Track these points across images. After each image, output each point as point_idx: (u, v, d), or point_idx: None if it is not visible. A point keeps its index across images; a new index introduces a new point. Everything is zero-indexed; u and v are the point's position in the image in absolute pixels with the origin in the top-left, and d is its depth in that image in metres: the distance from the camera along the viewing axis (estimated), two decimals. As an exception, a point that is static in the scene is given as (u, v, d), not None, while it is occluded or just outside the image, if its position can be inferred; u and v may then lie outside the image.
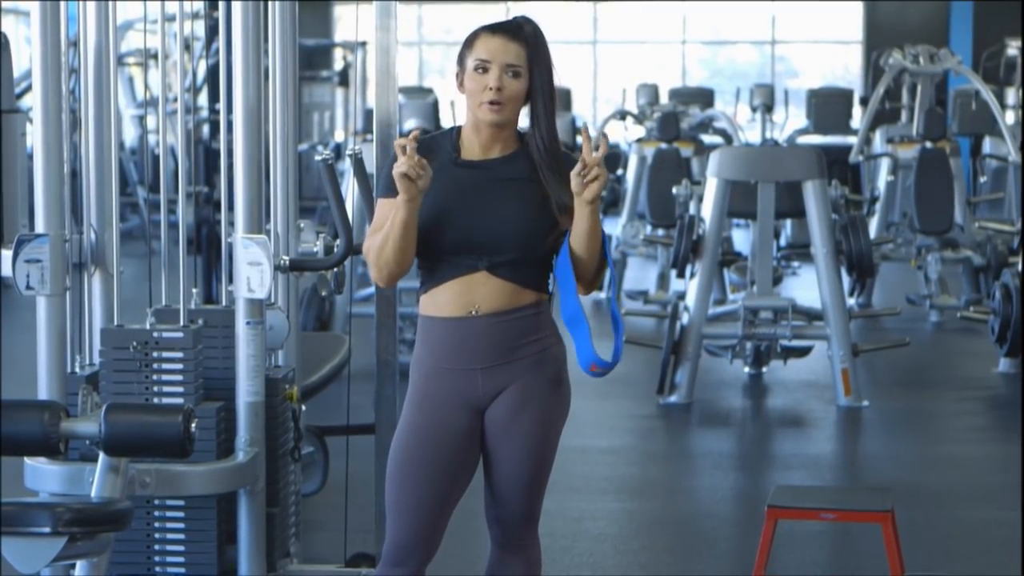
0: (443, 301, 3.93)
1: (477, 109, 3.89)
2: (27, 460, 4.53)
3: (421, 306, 3.99)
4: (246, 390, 4.64)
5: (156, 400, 4.60)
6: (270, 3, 5.15)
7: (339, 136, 20.57)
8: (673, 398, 8.78)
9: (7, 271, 4.59)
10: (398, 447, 3.98)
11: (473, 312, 3.90)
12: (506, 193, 3.91)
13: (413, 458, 3.95)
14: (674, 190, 10.89)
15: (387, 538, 4.01)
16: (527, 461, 3.98)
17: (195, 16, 5.89)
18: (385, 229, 3.87)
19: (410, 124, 16.02)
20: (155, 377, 4.62)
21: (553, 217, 3.91)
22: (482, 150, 3.95)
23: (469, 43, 3.93)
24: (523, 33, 3.91)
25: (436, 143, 3.98)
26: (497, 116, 3.88)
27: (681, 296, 9.59)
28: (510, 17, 4.00)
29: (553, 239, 3.94)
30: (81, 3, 4.82)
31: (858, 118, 19.87)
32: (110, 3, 4.85)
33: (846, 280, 9.58)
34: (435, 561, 4.06)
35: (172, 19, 5.12)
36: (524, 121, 4.01)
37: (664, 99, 18.91)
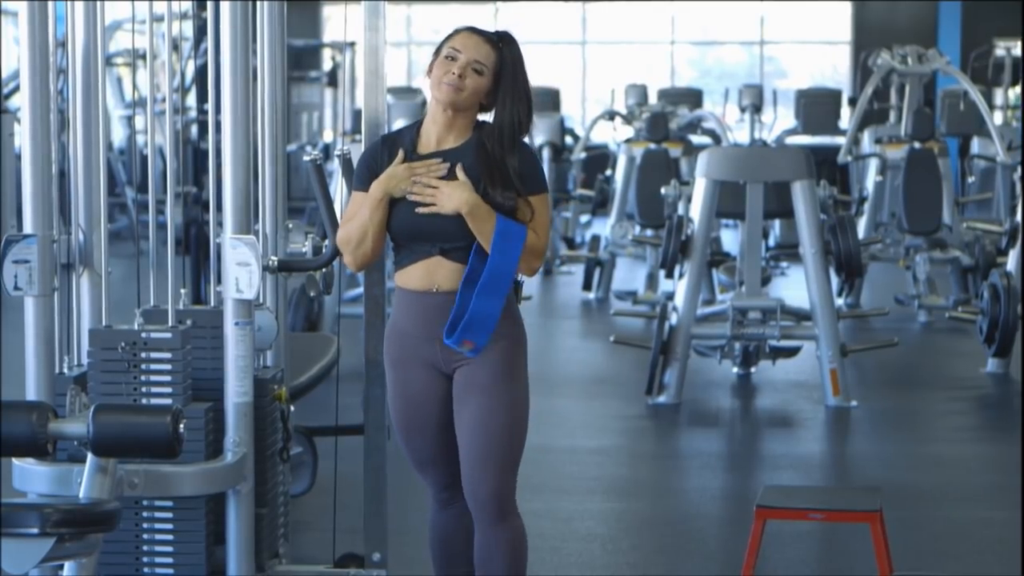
0: (410, 278, 4.30)
1: (436, 89, 4.23)
2: (15, 461, 4.52)
3: (395, 278, 4.35)
4: (235, 391, 4.64)
5: (144, 401, 4.59)
6: (258, 3, 5.15)
7: (327, 136, 20.57)
8: (662, 398, 8.78)
9: (-5, 272, 4.58)
10: (392, 412, 4.42)
11: (434, 289, 4.26)
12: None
13: (402, 420, 4.37)
14: (663, 190, 10.90)
15: (428, 492, 4.47)
16: (494, 426, 4.25)
17: (183, 16, 5.89)
18: (363, 224, 4.26)
19: (399, 124, 16.00)
20: (143, 378, 4.61)
21: (504, 199, 4.22)
22: (437, 141, 4.29)
23: (449, 37, 4.29)
24: (499, 43, 4.27)
25: (400, 137, 4.35)
26: (452, 96, 4.20)
27: (670, 296, 9.60)
28: (497, 24, 4.19)
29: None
30: (69, 3, 4.81)
31: (846, 118, 19.90)
32: (98, 3, 4.85)
33: (834, 280, 9.60)
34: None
35: (160, 19, 5.11)
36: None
37: (653, 99, 18.91)
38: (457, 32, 4.27)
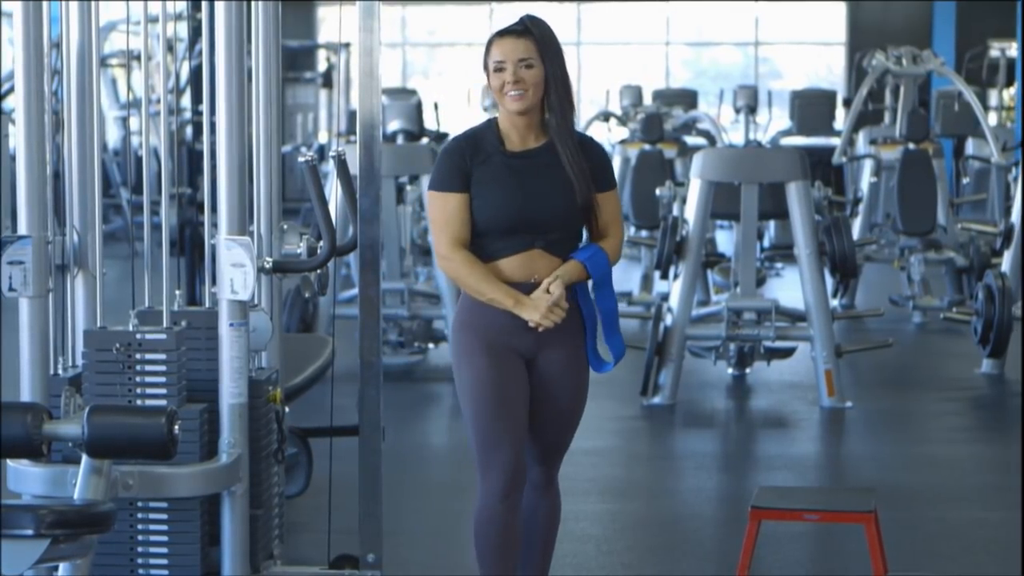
0: (503, 270, 4.44)
1: (504, 101, 4.43)
2: (10, 462, 4.52)
3: None
4: (229, 392, 4.63)
5: (139, 402, 4.59)
6: (253, 4, 5.14)
7: (322, 137, 20.59)
8: (657, 399, 8.78)
9: (-10, 273, 4.58)
10: (482, 402, 4.46)
11: (533, 280, 4.43)
12: (549, 178, 4.45)
13: (493, 406, 4.45)
14: (657, 191, 10.89)
15: (487, 481, 4.46)
16: (572, 410, 4.59)
17: (178, 17, 5.89)
18: (480, 293, 4.42)
19: (394, 125, 16.02)
20: (138, 379, 4.61)
21: (584, 195, 4.46)
22: (521, 141, 4.48)
23: (487, 50, 4.48)
24: (530, 30, 4.44)
25: (480, 137, 4.50)
26: (522, 103, 4.41)
27: (665, 297, 9.60)
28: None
29: (585, 216, 4.49)
30: (64, 4, 4.81)
31: (841, 119, 19.92)
32: (93, 4, 4.84)
33: (829, 281, 9.60)
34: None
35: (155, 20, 5.11)
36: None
37: (647, 100, 18.91)
38: (492, 42, 4.45)
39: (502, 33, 4.45)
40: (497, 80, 4.43)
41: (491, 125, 4.51)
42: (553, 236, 4.45)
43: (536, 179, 4.44)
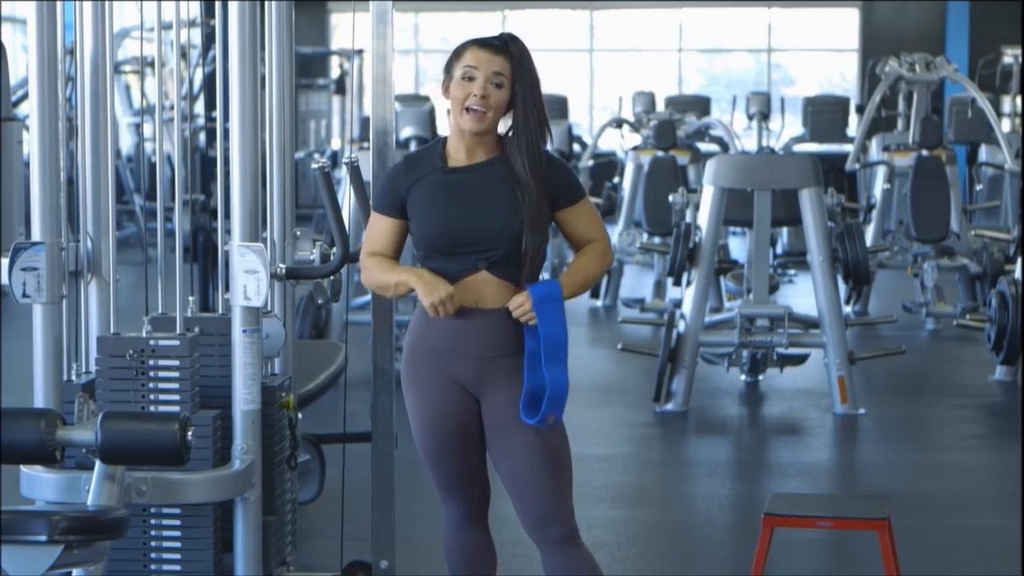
0: None
1: (460, 116, 4.15)
2: (23, 468, 4.52)
3: None
4: (242, 398, 4.64)
5: (152, 408, 4.59)
6: (267, 10, 5.15)
7: (335, 144, 20.58)
8: (669, 406, 8.78)
9: (4, 279, 4.58)
10: (418, 434, 4.28)
11: (479, 306, 4.15)
12: (494, 193, 4.15)
13: (436, 444, 4.24)
14: (670, 198, 10.89)
15: (449, 511, 4.36)
16: (538, 453, 4.17)
17: (192, 24, 5.90)
18: (385, 285, 4.23)
19: (407, 132, 16.03)
20: (151, 385, 4.61)
21: (540, 215, 4.14)
22: (467, 156, 4.20)
23: (457, 54, 4.18)
24: (508, 48, 4.17)
25: (424, 156, 4.25)
26: (479, 125, 4.13)
27: (677, 304, 9.59)
28: (499, 32, 4.24)
29: (542, 236, 4.15)
30: (78, 8, 4.81)
31: (854, 126, 19.88)
32: (107, 10, 4.85)
33: (842, 288, 9.59)
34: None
35: (169, 27, 5.12)
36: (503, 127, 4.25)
37: (660, 107, 18.90)
38: (465, 49, 4.17)
39: (480, 43, 4.17)
40: (462, 90, 4.12)
41: (437, 144, 4.24)
42: (497, 254, 4.12)
43: (476, 193, 4.14)
